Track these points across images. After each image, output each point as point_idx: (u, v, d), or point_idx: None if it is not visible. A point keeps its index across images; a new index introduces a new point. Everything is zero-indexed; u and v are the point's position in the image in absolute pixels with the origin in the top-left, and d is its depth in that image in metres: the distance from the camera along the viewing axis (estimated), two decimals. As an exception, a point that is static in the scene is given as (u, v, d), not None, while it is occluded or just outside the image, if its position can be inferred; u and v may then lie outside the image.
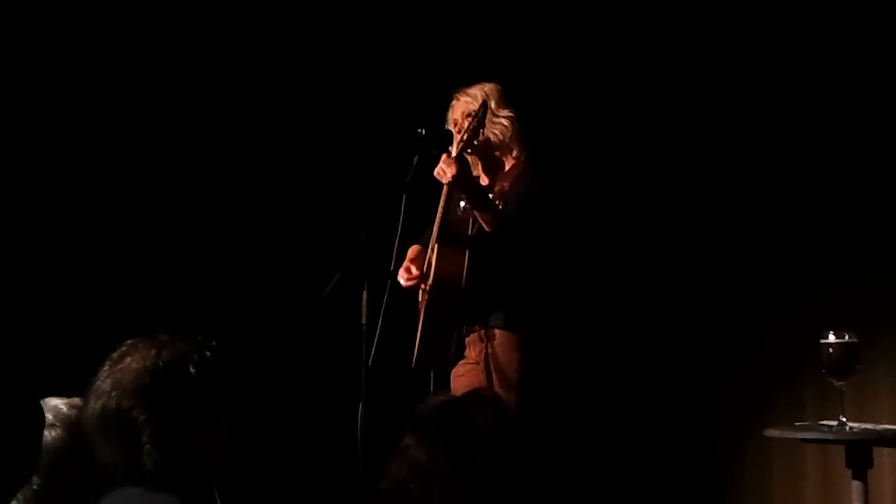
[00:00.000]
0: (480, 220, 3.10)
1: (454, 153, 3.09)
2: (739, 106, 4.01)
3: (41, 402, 1.65)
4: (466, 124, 3.15)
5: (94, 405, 1.52)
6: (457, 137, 3.16)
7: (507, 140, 3.23)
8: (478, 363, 3.13)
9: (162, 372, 1.53)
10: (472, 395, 1.72)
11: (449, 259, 3.12)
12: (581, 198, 3.99)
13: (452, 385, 3.17)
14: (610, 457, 4.06)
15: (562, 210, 3.33)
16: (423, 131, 3.08)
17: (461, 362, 3.19)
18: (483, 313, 3.14)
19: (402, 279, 3.24)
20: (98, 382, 1.54)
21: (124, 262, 3.98)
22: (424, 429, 1.56)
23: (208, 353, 1.58)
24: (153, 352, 1.55)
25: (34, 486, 1.60)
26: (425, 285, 3.21)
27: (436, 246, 3.15)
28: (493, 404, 1.65)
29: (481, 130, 3.10)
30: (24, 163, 3.88)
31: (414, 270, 3.24)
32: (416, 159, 3.01)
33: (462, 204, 3.22)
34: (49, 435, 1.62)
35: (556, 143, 3.80)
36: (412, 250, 3.31)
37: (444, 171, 3.04)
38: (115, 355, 1.57)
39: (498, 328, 3.13)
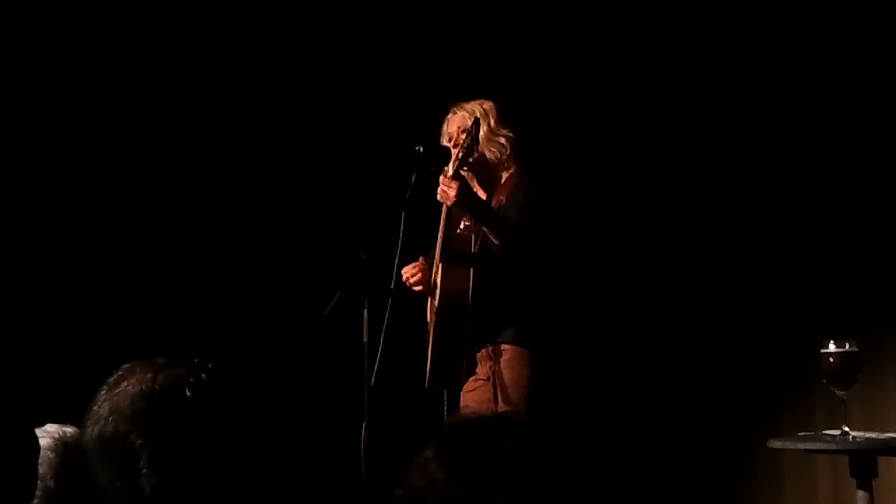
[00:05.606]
0: (489, 234, 3.09)
1: (450, 172, 3.09)
2: (749, 119, 4.02)
3: (36, 429, 1.66)
4: (461, 141, 3.16)
5: (92, 430, 1.52)
6: (454, 153, 3.15)
7: (504, 157, 3.23)
8: (487, 379, 3.13)
9: (158, 396, 1.52)
10: (502, 419, 1.67)
11: (454, 278, 3.12)
12: (584, 207, 3.99)
13: (462, 400, 3.18)
14: (621, 469, 4.05)
15: (563, 215, 3.33)
16: (421, 149, 3.07)
17: (471, 378, 3.20)
18: (491, 330, 3.14)
19: (406, 275, 3.25)
20: (95, 407, 1.54)
21: (121, 283, 3.99)
22: (446, 445, 1.53)
23: (204, 376, 1.57)
24: (149, 375, 1.54)
25: (33, 515, 1.60)
26: (433, 303, 3.21)
27: (440, 266, 3.15)
28: (522, 431, 1.61)
29: (476, 148, 3.09)
30: (15, 179, 3.89)
31: (417, 267, 3.25)
32: (414, 177, 3.01)
33: (462, 224, 3.21)
34: (45, 462, 1.62)
35: (555, 156, 3.80)
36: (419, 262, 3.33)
37: (446, 192, 3.03)
38: (111, 380, 1.57)
39: (506, 344, 3.13)
